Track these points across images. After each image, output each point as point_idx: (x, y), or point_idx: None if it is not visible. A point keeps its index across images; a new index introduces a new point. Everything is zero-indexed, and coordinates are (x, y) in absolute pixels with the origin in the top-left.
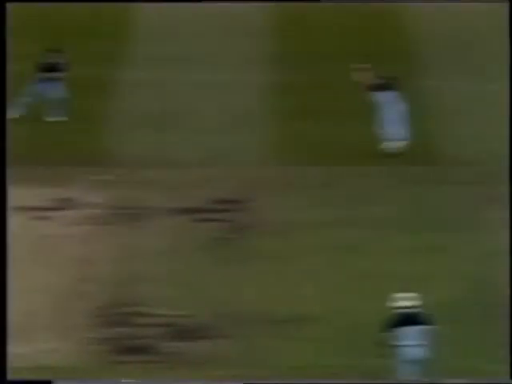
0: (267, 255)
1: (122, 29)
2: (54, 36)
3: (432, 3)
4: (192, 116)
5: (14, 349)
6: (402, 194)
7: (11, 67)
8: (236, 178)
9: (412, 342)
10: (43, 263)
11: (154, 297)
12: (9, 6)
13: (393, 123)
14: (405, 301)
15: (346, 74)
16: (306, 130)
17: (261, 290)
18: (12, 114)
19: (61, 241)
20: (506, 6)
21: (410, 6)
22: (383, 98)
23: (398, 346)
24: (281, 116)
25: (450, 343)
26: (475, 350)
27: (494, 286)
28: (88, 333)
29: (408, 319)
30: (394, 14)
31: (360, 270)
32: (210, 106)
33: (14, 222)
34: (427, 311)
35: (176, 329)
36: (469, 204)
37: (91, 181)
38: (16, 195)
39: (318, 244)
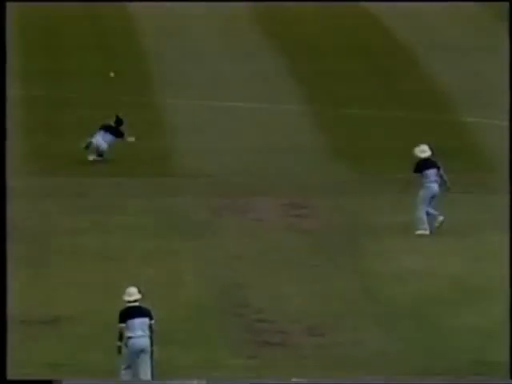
0: (23, 260)
1: None
2: None
3: None
4: None
5: None
6: (145, 203)
7: None
8: None
9: (137, 333)
10: None
11: None
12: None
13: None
14: (130, 295)
15: (88, 91)
16: (50, 143)
17: (18, 294)
18: None
19: None
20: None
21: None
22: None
23: (128, 337)
24: (25, 129)
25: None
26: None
27: (235, 287)
28: None
29: (134, 312)
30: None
31: (110, 272)
32: None
33: None
34: (166, 311)
35: None
36: (203, 212)
37: None
38: None
39: (72, 249)
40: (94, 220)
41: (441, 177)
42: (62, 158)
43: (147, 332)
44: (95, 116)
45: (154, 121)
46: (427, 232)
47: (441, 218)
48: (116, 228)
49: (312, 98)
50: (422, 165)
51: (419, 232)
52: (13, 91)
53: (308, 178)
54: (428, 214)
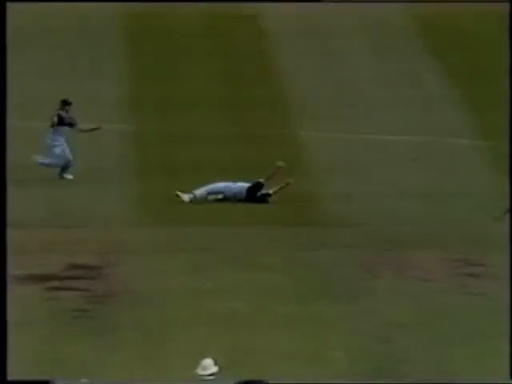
0: (135, 327)
1: None
2: None
3: None
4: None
5: None
6: (281, 258)
7: None
8: (94, 240)
9: None
10: None
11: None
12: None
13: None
14: (205, 369)
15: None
16: (165, 186)
17: (127, 365)
18: None
19: None
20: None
21: None
22: None
23: None
24: (136, 170)
25: None
26: None
27: (394, 361)
28: None
29: None
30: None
31: (238, 343)
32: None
33: None
34: None
35: None
36: (354, 269)
37: None
38: None
39: (192, 315)
40: (220, 279)
41: None
42: (180, 203)
43: None
44: (218, 154)
45: (290, 159)
46: None
47: None
48: (246, 288)
49: (487, 131)
50: None
51: None
52: (123, 126)
53: (483, 229)
54: None
